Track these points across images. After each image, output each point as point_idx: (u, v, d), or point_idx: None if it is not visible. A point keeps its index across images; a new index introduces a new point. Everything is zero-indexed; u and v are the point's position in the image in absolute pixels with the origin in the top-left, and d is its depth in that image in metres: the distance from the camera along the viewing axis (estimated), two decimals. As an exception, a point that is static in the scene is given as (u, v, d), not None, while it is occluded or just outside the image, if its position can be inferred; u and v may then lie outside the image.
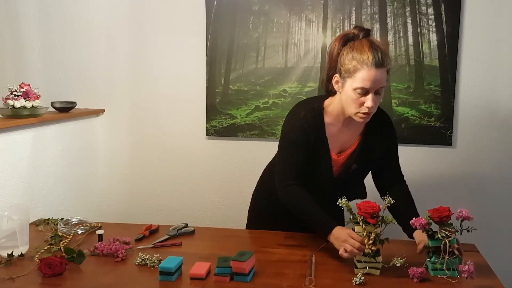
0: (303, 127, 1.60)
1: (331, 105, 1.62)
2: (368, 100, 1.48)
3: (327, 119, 1.62)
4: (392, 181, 1.72)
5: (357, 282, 1.34)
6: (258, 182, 1.94)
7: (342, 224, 1.65)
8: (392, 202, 1.41)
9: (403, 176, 1.77)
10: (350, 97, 1.50)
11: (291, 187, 1.62)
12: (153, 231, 1.77)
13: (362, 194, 1.80)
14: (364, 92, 1.47)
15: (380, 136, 1.67)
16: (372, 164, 1.71)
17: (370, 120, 1.58)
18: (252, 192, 1.95)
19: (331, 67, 1.57)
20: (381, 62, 1.45)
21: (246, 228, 1.93)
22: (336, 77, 1.55)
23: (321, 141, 1.62)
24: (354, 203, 1.46)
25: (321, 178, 1.67)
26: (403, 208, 1.61)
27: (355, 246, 1.40)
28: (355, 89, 1.48)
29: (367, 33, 1.54)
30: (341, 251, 1.44)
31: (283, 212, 1.67)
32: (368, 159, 1.68)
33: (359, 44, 1.49)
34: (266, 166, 1.92)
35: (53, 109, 2.40)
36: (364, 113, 1.51)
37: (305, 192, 1.61)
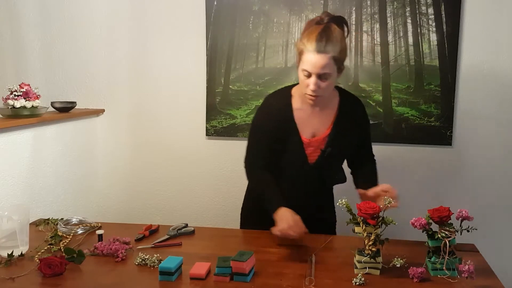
0: (268, 112, 1.72)
1: (299, 90, 1.69)
2: (311, 83, 1.56)
3: (295, 104, 1.70)
4: (364, 160, 1.82)
5: (357, 283, 1.34)
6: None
7: (330, 212, 1.86)
8: (392, 202, 1.41)
9: (373, 155, 1.86)
10: (300, 78, 1.61)
11: (254, 170, 1.73)
12: (153, 231, 1.77)
13: (342, 179, 1.85)
14: (308, 74, 1.56)
15: (354, 119, 1.73)
16: (347, 147, 1.76)
17: (343, 105, 1.70)
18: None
19: (296, 56, 1.66)
20: (322, 48, 1.51)
21: (240, 228, 1.94)
22: (297, 62, 1.64)
23: (290, 125, 1.69)
24: (354, 203, 1.46)
25: (294, 163, 1.72)
26: (364, 174, 1.77)
27: (294, 235, 1.50)
28: (302, 70, 1.58)
29: (337, 20, 1.60)
30: (276, 230, 1.52)
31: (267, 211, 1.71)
32: (343, 143, 1.72)
33: (314, 29, 1.56)
34: None
35: (53, 109, 2.40)
36: (309, 95, 1.60)
37: (266, 174, 1.70)
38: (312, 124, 1.70)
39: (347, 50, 1.64)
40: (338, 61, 1.56)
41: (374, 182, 1.70)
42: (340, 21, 1.61)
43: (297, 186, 1.74)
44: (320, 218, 1.80)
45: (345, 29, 1.63)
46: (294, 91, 1.72)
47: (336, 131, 1.70)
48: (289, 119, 1.68)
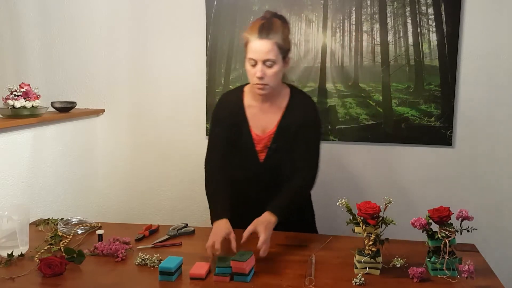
0: (223, 109, 1.78)
1: (251, 86, 1.73)
2: (257, 71, 1.60)
3: (247, 101, 1.75)
4: (297, 166, 1.71)
5: (357, 283, 1.34)
6: None
7: (303, 211, 1.83)
8: (392, 202, 1.41)
9: (314, 167, 1.74)
10: (247, 70, 1.65)
11: (210, 169, 1.75)
12: (153, 231, 1.77)
13: None
14: (254, 63, 1.61)
15: (300, 119, 1.72)
16: (290, 143, 1.73)
17: (292, 102, 1.72)
18: None
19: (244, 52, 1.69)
20: (264, 33, 1.58)
21: None
22: (245, 58, 1.67)
23: (242, 121, 1.74)
24: (354, 203, 1.46)
25: (246, 158, 1.74)
26: (281, 192, 1.66)
27: (208, 248, 1.48)
28: (248, 60, 1.63)
29: (279, 16, 1.67)
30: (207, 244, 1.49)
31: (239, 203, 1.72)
32: (289, 141, 1.72)
33: (256, 21, 1.64)
34: None
35: (53, 109, 2.40)
36: (258, 84, 1.62)
37: (220, 177, 1.71)
38: (262, 120, 1.73)
39: (290, 43, 1.68)
40: (282, 49, 1.62)
41: (280, 207, 1.61)
42: (282, 18, 1.68)
43: (251, 185, 1.76)
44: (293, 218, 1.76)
45: (288, 25, 1.70)
46: (246, 88, 1.78)
47: (281, 128, 1.71)
48: (241, 115, 1.74)
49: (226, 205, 1.64)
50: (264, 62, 1.59)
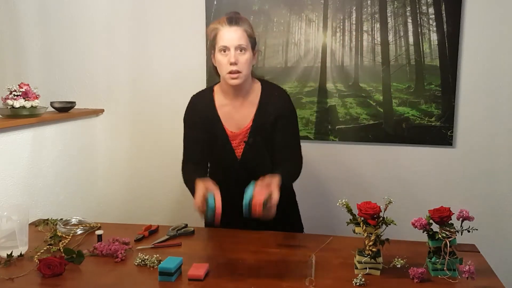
0: (194, 111, 1.80)
1: (220, 85, 1.77)
2: (231, 56, 1.62)
3: (218, 99, 1.77)
4: (281, 157, 1.72)
5: (358, 283, 1.34)
6: None
7: (287, 210, 1.75)
8: (393, 202, 1.40)
9: (298, 156, 1.75)
10: (219, 62, 1.66)
11: (186, 170, 1.77)
12: (152, 231, 1.77)
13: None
14: (226, 49, 1.63)
15: (274, 111, 1.72)
16: (269, 138, 1.73)
17: (264, 96, 1.73)
18: None
19: (210, 50, 1.73)
20: (234, 21, 1.64)
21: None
22: (212, 55, 1.71)
23: (215, 120, 1.75)
24: (354, 204, 1.45)
25: (223, 156, 1.76)
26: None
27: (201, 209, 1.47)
28: (219, 50, 1.64)
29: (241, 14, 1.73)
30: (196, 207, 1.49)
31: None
32: (265, 135, 1.73)
33: (222, 17, 1.69)
34: None
35: (53, 109, 2.40)
36: (232, 72, 1.63)
37: (193, 168, 1.73)
38: (236, 117, 1.75)
39: (255, 36, 1.73)
40: (251, 38, 1.67)
41: (287, 171, 1.63)
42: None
43: (230, 183, 1.70)
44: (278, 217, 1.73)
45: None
46: (216, 88, 1.80)
47: (257, 123, 1.73)
48: (213, 114, 1.75)
49: (201, 173, 1.67)
50: (236, 48, 1.62)
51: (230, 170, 1.77)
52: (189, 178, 1.69)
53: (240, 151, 1.75)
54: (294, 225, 1.90)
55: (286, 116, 1.74)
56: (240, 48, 1.63)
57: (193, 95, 1.86)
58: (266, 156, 1.76)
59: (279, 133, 1.72)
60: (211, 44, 1.70)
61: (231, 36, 1.63)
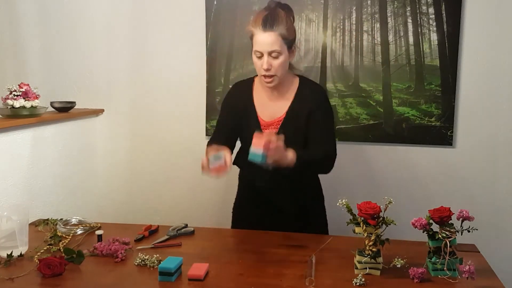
0: (231, 94, 1.87)
1: (259, 78, 1.77)
2: (264, 63, 1.64)
3: (256, 89, 1.80)
4: (313, 145, 1.74)
5: (358, 283, 1.34)
6: None
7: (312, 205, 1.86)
8: (393, 203, 1.40)
9: (331, 150, 1.75)
10: (255, 63, 1.69)
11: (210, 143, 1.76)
12: (152, 231, 1.77)
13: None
14: (260, 55, 1.65)
15: (309, 106, 1.74)
16: (301, 133, 1.75)
17: (300, 91, 1.75)
18: None
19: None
20: (268, 25, 1.62)
21: (231, 227, 1.97)
22: (252, 51, 1.71)
23: (249, 107, 1.79)
24: (354, 204, 1.45)
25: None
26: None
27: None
28: (254, 53, 1.67)
29: (282, 6, 1.70)
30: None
31: (251, 202, 1.83)
32: (296, 127, 1.74)
33: (260, 13, 1.67)
34: None
35: (53, 109, 2.40)
36: (265, 76, 1.67)
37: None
38: (270, 108, 1.77)
39: (295, 32, 1.72)
40: (287, 40, 1.65)
41: (308, 154, 1.68)
42: (286, 7, 1.71)
43: (256, 175, 1.78)
44: (301, 209, 1.82)
45: (293, 14, 1.75)
46: (256, 79, 1.83)
47: (291, 115, 1.74)
48: (249, 102, 1.79)
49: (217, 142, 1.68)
50: (269, 53, 1.63)
51: None
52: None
53: None
54: (316, 227, 1.89)
55: (320, 111, 1.74)
56: (274, 53, 1.63)
57: (235, 83, 1.92)
58: (292, 146, 1.75)
59: (312, 127, 1.73)
60: (250, 42, 1.70)
61: (264, 41, 1.62)
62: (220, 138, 1.79)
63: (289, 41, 1.67)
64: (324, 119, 1.76)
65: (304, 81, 1.81)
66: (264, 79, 1.68)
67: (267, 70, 1.65)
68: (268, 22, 1.62)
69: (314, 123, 1.73)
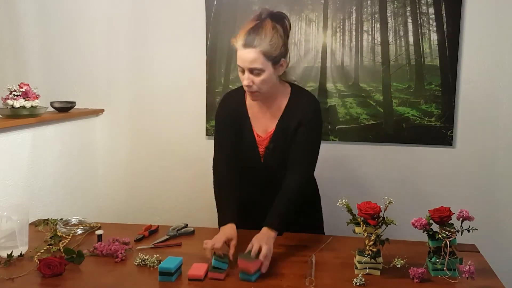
0: (226, 109, 1.76)
1: None
2: (244, 79, 1.58)
3: (249, 101, 1.72)
4: (292, 167, 1.67)
5: (358, 283, 1.34)
6: None
7: (309, 214, 1.82)
8: (393, 203, 1.40)
9: (309, 170, 1.72)
10: (240, 75, 1.62)
11: (219, 172, 1.73)
12: (152, 231, 1.77)
13: None
14: (242, 70, 1.59)
15: (298, 118, 1.67)
16: (289, 146, 1.69)
17: (291, 102, 1.69)
18: None
19: None
20: (247, 43, 1.54)
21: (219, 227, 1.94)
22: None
23: (244, 120, 1.73)
24: (354, 204, 1.45)
25: (249, 158, 1.74)
26: (277, 199, 1.62)
27: (206, 249, 1.46)
28: (237, 66, 1.60)
29: (275, 16, 1.61)
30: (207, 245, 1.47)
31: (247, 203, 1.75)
32: (285, 140, 1.69)
33: (246, 25, 1.60)
34: None
35: (53, 109, 2.40)
36: (248, 91, 1.62)
37: (227, 180, 1.70)
38: (262, 120, 1.72)
39: (282, 46, 1.59)
40: (270, 56, 1.55)
41: (278, 219, 1.57)
42: (277, 17, 1.61)
43: (254, 184, 1.77)
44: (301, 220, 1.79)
45: (286, 24, 1.64)
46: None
47: (280, 129, 1.70)
48: (243, 114, 1.73)
49: (233, 209, 1.62)
50: (250, 71, 1.57)
51: (253, 171, 1.76)
52: (220, 195, 1.69)
53: (262, 155, 1.73)
54: (314, 227, 1.89)
55: (305, 128, 1.67)
56: (255, 71, 1.56)
57: (226, 93, 1.85)
58: (284, 161, 1.72)
59: (296, 143, 1.67)
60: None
61: (244, 58, 1.56)
62: (225, 158, 1.73)
63: (274, 57, 1.57)
64: (308, 137, 1.68)
65: (296, 92, 1.73)
66: (249, 94, 1.64)
67: (248, 86, 1.59)
68: (249, 38, 1.54)
69: (296, 142, 1.67)
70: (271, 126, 1.71)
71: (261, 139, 1.72)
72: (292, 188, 1.62)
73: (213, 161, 1.77)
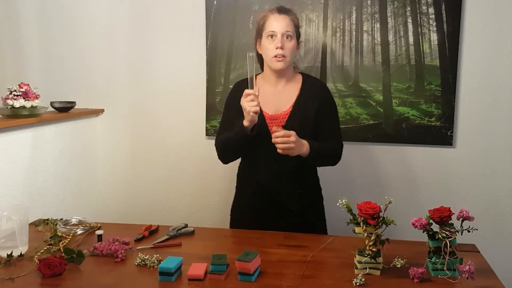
0: (234, 92, 1.86)
1: (262, 75, 1.88)
2: (278, 42, 1.73)
3: (259, 84, 1.81)
4: (325, 142, 1.82)
5: (358, 283, 1.34)
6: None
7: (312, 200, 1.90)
8: (393, 203, 1.40)
9: (338, 142, 1.87)
10: (266, 47, 1.77)
11: (218, 138, 1.85)
12: (152, 231, 1.77)
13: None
14: (274, 35, 1.74)
15: (315, 101, 1.82)
16: (307, 126, 1.80)
17: (306, 85, 1.83)
18: None
19: (256, 38, 1.84)
20: (283, 9, 1.78)
21: (230, 227, 1.97)
22: (258, 42, 1.83)
23: None
24: (354, 204, 1.45)
25: (259, 138, 1.77)
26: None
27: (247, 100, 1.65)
28: (267, 36, 1.75)
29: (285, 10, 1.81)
30: (249, 110, 1.65)
31: (256, 205, 1.85)
32: (304, 121, 1.79)
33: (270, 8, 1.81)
34: None
35: (53, 109, 2.40)
36: (277, 56, 1.74)
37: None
38: (274, 102, 1.81)
39: (299, 27, 1.83)
40: (297, 28, 1.79)
41: (320, 146, 1.76)
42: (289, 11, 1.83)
43: (262, 170, 1.82)
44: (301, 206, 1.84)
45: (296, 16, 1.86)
46: (258, 76, 1.87)
47: (298, 108, 1.80)
48: None
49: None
50: (283, 35, 1.73)
51: (265, 149, 1.77)
52: (226, 136, 1.80)
53: None
54: (316, 227, 1.90)
55: (327, 107, 1.83)
56: (287, 35, 1.74)
57: (236, 82, 1.94)
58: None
59: (320, 123, 1.81)
60: (257, 32, 1.81)
61: (280, 23, 1.74)
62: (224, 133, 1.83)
63: (298, 31, 1.79)
64: (331, 115, 1.86)
65: (307, 77, 1.88)
66: (276, 58, 1.74)
67: (280, 48, 1.71)
68: (282, 9, 1.77)
69: (322, 120, 1.81)
70: (285, 106, 1.80)
71: (271, 117, 1.80)
72: (331, 143, 1.83)
73: (215, 140, 1.87)
